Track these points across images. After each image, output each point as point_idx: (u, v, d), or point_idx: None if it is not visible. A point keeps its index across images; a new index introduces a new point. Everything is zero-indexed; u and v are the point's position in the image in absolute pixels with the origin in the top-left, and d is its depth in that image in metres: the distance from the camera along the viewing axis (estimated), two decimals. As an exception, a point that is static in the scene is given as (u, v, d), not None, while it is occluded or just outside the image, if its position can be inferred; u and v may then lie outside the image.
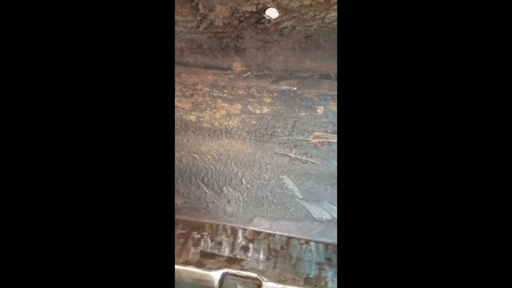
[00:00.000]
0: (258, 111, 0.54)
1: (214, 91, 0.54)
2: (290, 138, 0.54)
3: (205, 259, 0.50)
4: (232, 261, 0.50)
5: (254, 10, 0.45)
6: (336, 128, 0.53)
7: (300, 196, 0.55)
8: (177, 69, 0.53)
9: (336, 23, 0.47)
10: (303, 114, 0.53)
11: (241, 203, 0.57)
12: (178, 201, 0.59)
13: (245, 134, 0.55)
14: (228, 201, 0.57)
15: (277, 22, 0.47)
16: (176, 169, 0.58)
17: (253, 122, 0.54)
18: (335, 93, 0.52)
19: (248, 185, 0.56)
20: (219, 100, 0.54)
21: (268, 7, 0.45)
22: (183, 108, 0.55)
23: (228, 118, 0.55)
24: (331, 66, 0.51)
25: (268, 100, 0.53)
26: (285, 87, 0.53)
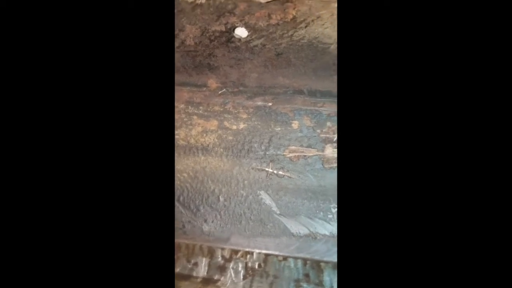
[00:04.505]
0: (234, 127, 0.58)
1: (190, 108, 0.59)
2: (267, 153, 0.58)
3: (180, 281, 0.52)
4: (207, 282, 0.52)
5: (224, 29, 0.51)
6: (310, 142, 0.57)
7: (278, 212, 0.58)
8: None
9: (304, 41, 0.53)
10: (279, 129, 0.58)
11: (218, 222, 0.59)
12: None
13: (221, 150, 0.59)
14: (205, 220, 0.59)
15: (247, 40, 0.53)
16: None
17: (230, 138, 0.59)
18: (309, 107, 0.57)
19: (225, 203, 0.59)
20: (195, 117, 0.59)
21: (237, 27, 0.51)
22: (159, 125, 0.59)
23: (204, 135, 0.59)
24: (303, 82, 0.56)
25: (244, 116, 0.58)
26: (260, 102, 0.58)
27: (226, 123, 0.58)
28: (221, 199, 0.59)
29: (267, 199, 0.58)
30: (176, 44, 0.53)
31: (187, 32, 0.52)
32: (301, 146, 0.57)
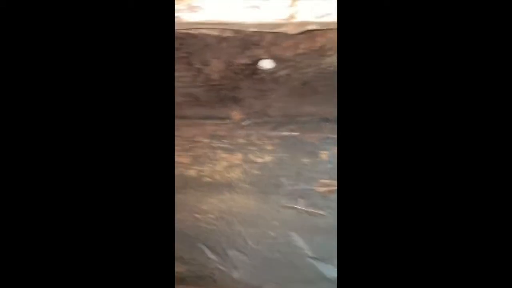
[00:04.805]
0: (260, 160, 0.56)
1: (214, 141, 0.57)
2: (296, 187, 0.54)
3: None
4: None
5: (249, 62, 0.51)
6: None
7: (311, 255, 0.52)
8: (176, 122, 0.58)
9: (332, 68, 0.51)
10: (307, 160, 0.54)
11: (248, 267, 0.54)
12: (181, 268, 0.57)
13: (247, 186, 0.56)
14: (235, 266, 0.54)
15: (272, 71, 0.52)
16: (177, 232, 0.58)
17: (256, 172, 0.56)
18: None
19: (254, 246, 0.54)
20: (219, 151, 0.57)
21: (262, 59, 0.51)
22: (182, 162, 0.58)
23: (230, 170, 0.57)
24: (330, 109, 0.53)
25: (270, 147, 0.56)
26: (285, 132, 0.55)
27: (251, 156, 0.56)
28: (249, 242, 0.54)
29: (298, 241, 0.52)
30: (201, 79, 0.54)
31: (211, 66, 0.52)
32: (331, 179, 0.53)
